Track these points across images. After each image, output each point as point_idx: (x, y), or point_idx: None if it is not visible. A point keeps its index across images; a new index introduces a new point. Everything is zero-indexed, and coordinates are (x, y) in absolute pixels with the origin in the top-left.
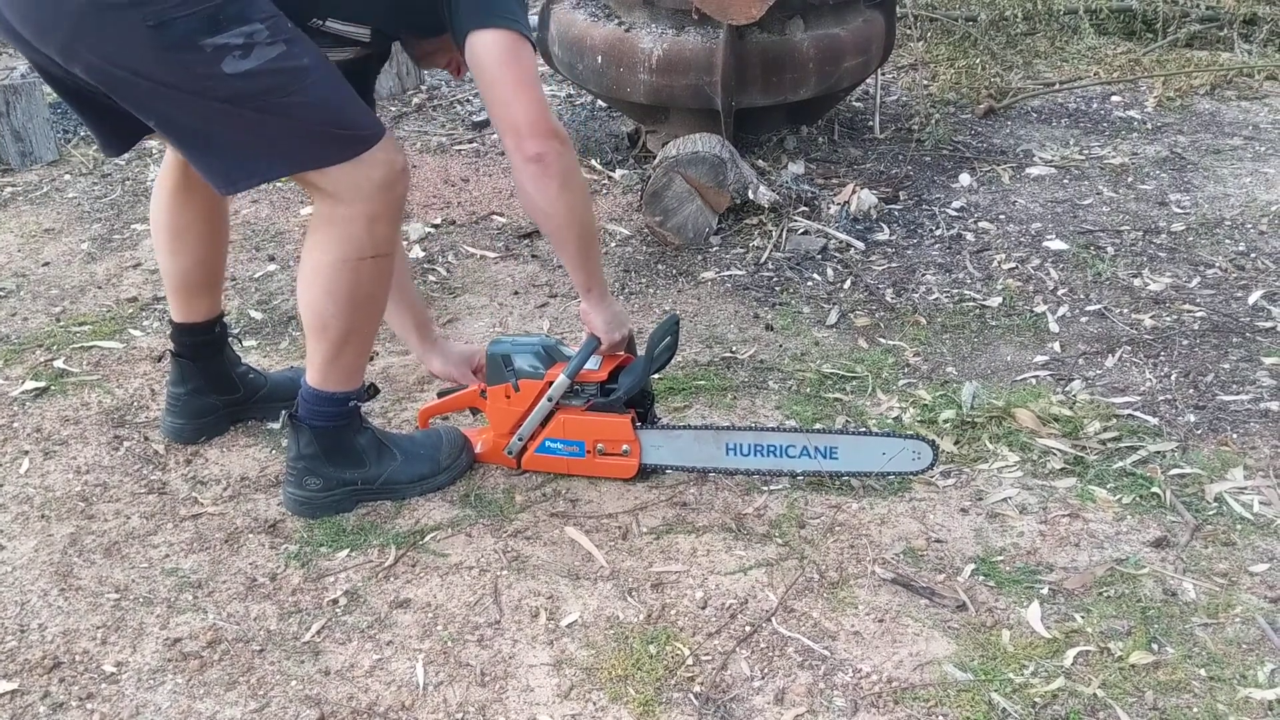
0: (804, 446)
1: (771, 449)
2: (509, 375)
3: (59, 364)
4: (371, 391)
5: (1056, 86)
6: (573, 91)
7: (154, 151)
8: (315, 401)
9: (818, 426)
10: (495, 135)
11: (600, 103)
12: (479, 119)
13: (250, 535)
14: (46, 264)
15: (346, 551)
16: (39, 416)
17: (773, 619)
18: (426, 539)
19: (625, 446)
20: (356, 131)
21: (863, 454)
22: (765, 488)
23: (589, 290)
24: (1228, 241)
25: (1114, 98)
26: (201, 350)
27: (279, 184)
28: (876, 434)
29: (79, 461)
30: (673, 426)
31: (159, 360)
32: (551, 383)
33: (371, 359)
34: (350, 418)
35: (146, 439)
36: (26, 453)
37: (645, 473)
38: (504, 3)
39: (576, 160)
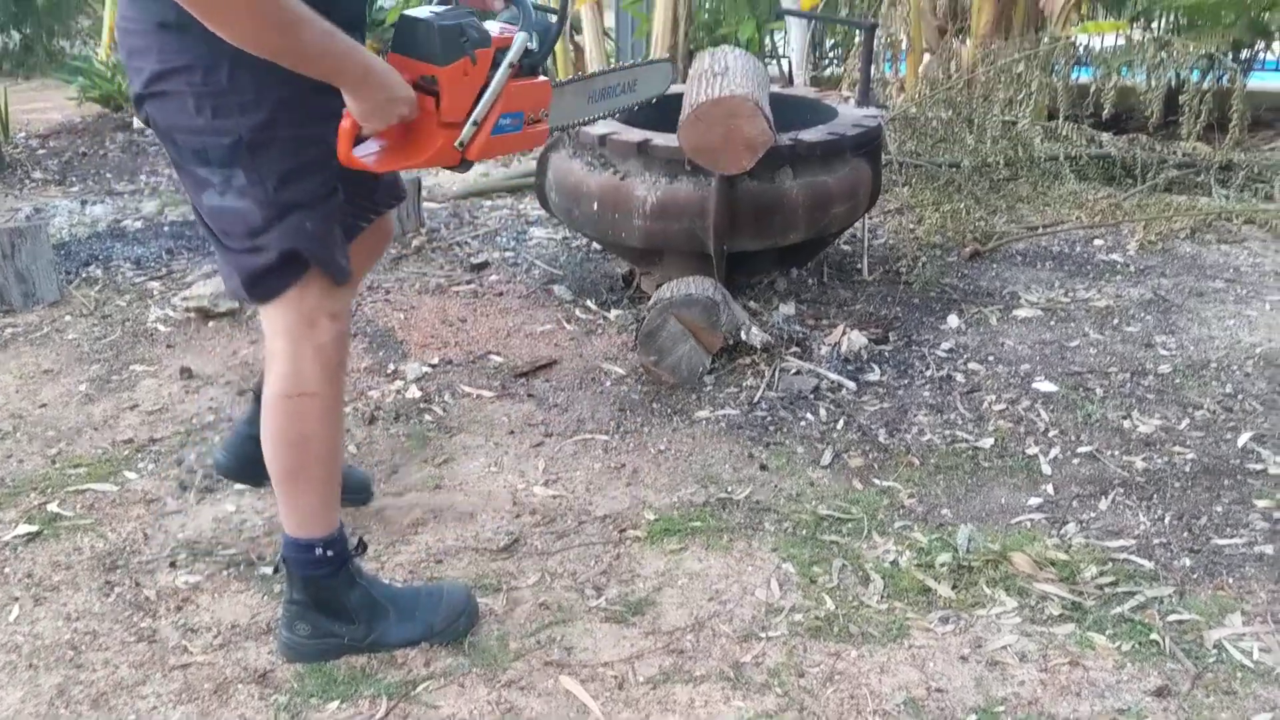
0: (621, 82)
1: (608, 90)
2: (462, 47)
3: (53, 507)
4: (359, 547)
5: (1040, 230)
6: (569, 234)
7: (154, 293)
8: (290, 548)
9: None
10: (494, 276)
11: (596, 245)
12: (477, 261)
13: (240, 685)
14: (44, 405)
15: (337, 703)
16: (30, 561)
17: None
18: (418, 689)
19: (544, 112)
20: (295, 264)
21: (653, 79)
22: (763, 634)
23: (346, 83)
24: (1215, 383)
25: (1097, 241)
26: None
27: None
28: (652, 64)
29: (69, 608)
30: (558, 83)
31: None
32: (502, 48)
33: (365, 503)
34: (327, 567)
35: (138, 585)
36: (16, 599)
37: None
38: None
39: None
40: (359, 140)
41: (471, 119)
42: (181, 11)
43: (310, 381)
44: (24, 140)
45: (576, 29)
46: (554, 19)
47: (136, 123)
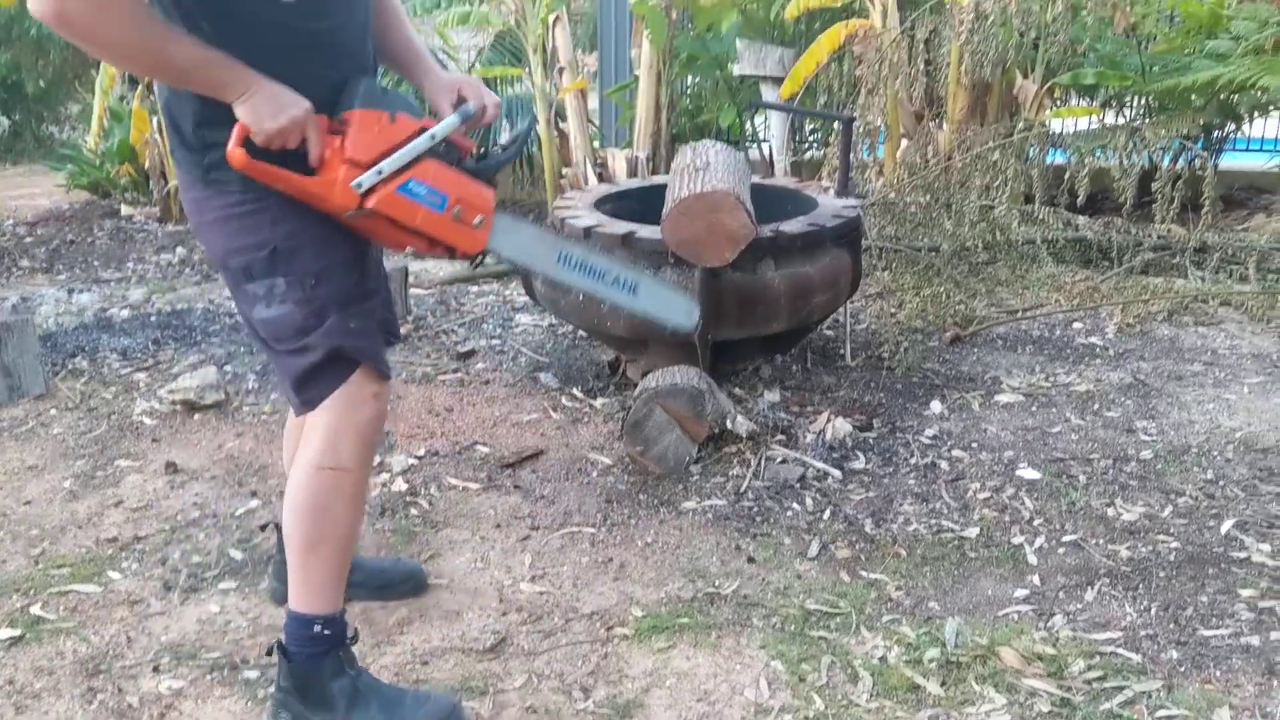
0: (616, 276)
1: (593, 270)
2: (389, 104)
3: (35, 610)
4: (354, 637)
5: (1019, 314)
6: (555, 321)
7: (140, 385)
8: (290, 622)
9: (637, 265)
10: (480, 364)
11: (581, 332)
12: (464, 349)
13: None
14: (28, 502)
15: None
16: (12, 667)
17: None
18: None
19: (480, 218)
20: (341, 362)
21: (657, 299)
22: None
23: (228, 96)
24: (1196, 469)
25: (1076, 324)
26: None
27: (264, 415)
28: (670, 288)
29: (51, 717)
30: (519, 216)
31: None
32: (425, 129)
33: (348, 600)
34: (322, 645)
35: (121, 691)
36: None
37: (478, 259)
38: None
39: (101, 5)
40: (258, 153)
41: (377, 167)
42: (211, 155)
43: (346, 458)
44: (11, 227)
45: (561, 116)
46: (520, 132)
47: (125, 210)
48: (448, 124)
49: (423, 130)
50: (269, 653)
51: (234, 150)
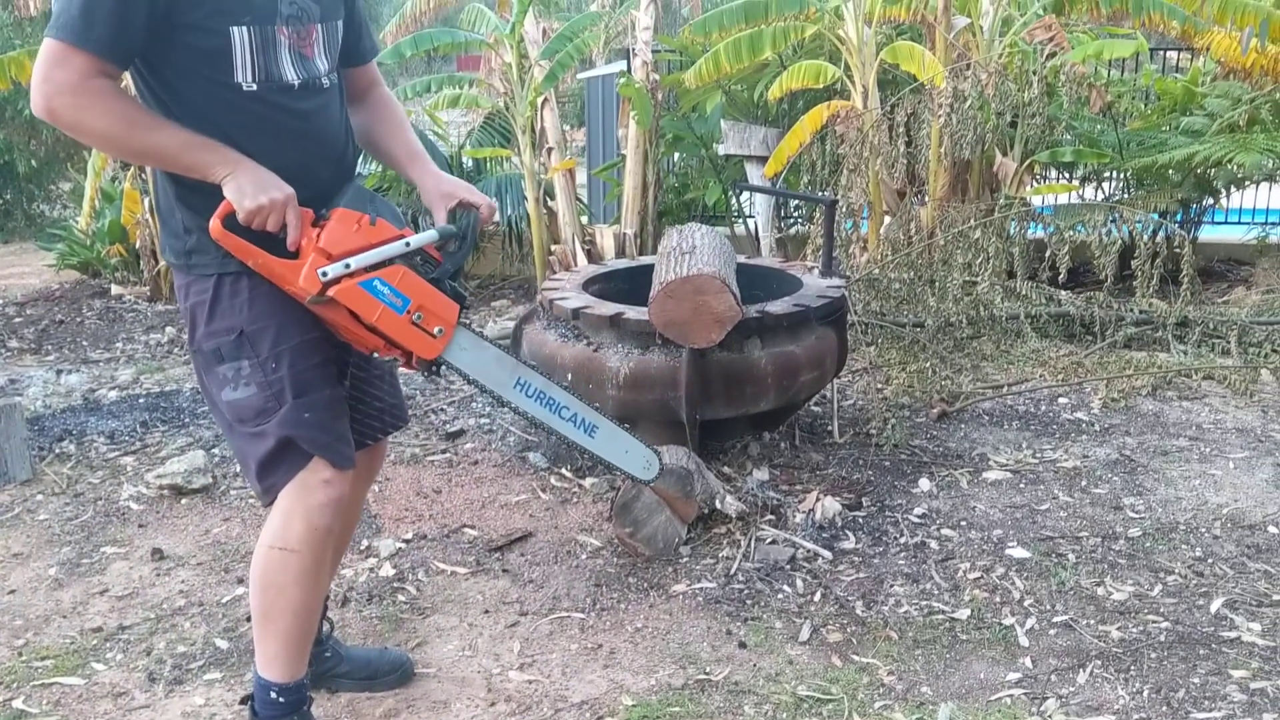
0: (575, 414)
1: (551, 402)
2: (374, 208)
3: (18, 704)
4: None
5: (1005, 390)
6: None
7: (127, 469)
8: (255, 684)
9: (595, 405)
10: (469, 444)
11: None
12: (452, 429)
13: None
14: (12, 591)
15: None
16: None
17: None
18: None
19: (440, 328)
20: (295, 451)
21: (613, 444)
22: None
23: (216, 176)
24: (1184, 547)
25: (1061, 399)
26: None
27: (251, 499)
28: (630, 433)
29: None
30: (484, 338)
31: None
32: (403, 238)
33: (334, 692)
34: (278, 710)
35: None
36: None
37: (434, 367)
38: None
39: (85, 103)
40: (236, 228)
41: (345, 260)
42: (190, 240)
43: (293, 539)
44: (1, 307)
45: (550, 194)
46: (466, 227)
47: (114, 289)
48: (425, 237)
49: (400, 238)
50: (242, 701)
51: (215, 223)
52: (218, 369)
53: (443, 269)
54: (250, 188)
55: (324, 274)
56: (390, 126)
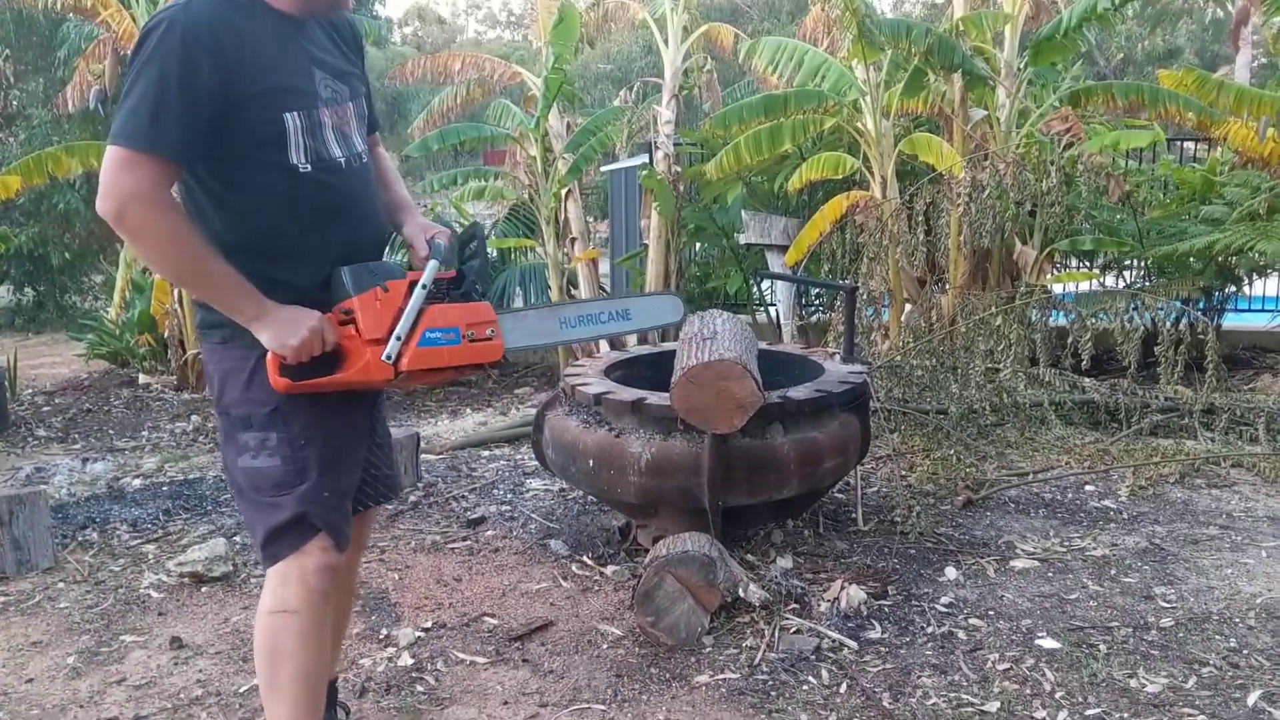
0: (607, 311)
1: (588, 318)
2: (374, 279)
3: None
4: None
5: (1031, 477)
6: (565, 487)
7: (149, 556)
8: None
9: (618, 291)
10: (490, 532)
11: (591, 497)
12: (474, 516)
13: None
14: (30, 680)
15: None
16: None
17: None
18: None
19: (490, 330)
20: (305, 526)
21: (647, 314)
22: None
23: (243, 318)
24: (1218, 637)
25: (1088, 487)
26: None
27: None
28: (652, 298)
29: None
30: (516, 310)
31: None
32: (414, 282)
33: None
34: None
35: None
36: None
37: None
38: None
39: (155, 215)
40: (296, 371)
41: (394, 334)
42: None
43: (292, 600)
44: (30, 396)
45: (573, 283)
46: (476, 253)
47: (142, 378)
48: (431, 269)
49: (412, 285)
50: None
51: (277, 380)
52: (241, 435)
53: (469, 282)
54: (286, 329)
55: (389, 357)
56: (387, 180)
